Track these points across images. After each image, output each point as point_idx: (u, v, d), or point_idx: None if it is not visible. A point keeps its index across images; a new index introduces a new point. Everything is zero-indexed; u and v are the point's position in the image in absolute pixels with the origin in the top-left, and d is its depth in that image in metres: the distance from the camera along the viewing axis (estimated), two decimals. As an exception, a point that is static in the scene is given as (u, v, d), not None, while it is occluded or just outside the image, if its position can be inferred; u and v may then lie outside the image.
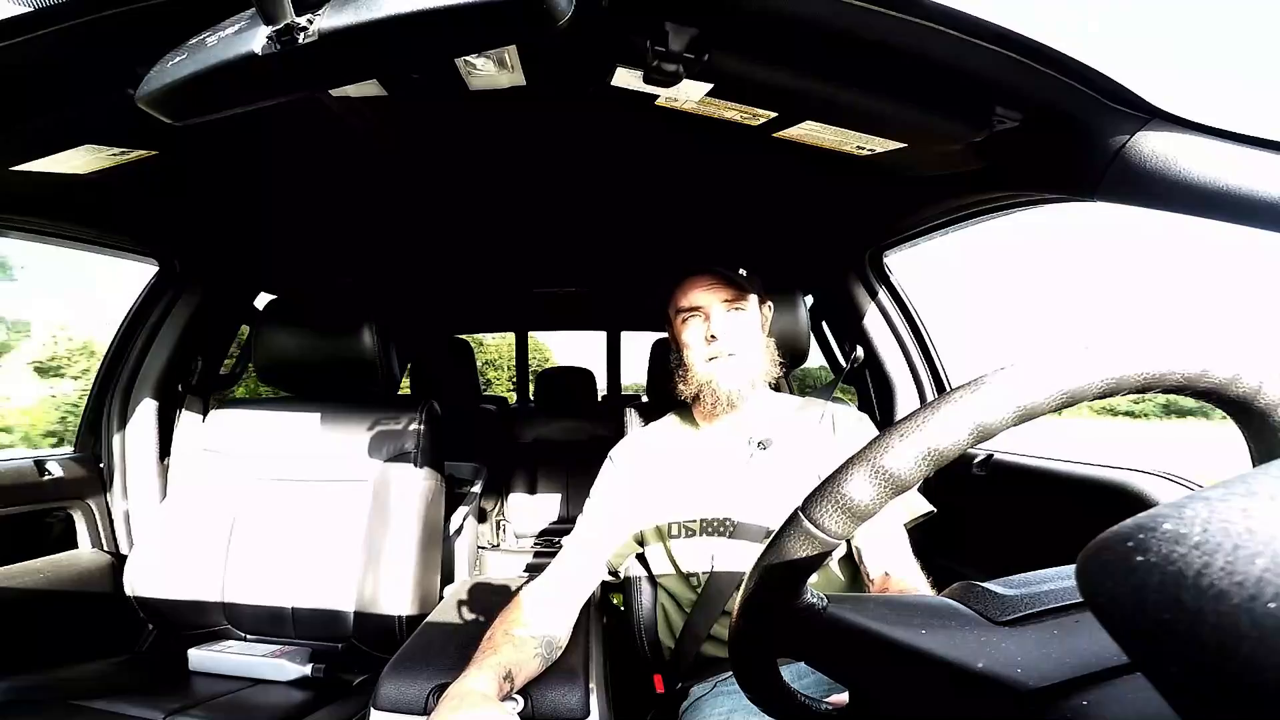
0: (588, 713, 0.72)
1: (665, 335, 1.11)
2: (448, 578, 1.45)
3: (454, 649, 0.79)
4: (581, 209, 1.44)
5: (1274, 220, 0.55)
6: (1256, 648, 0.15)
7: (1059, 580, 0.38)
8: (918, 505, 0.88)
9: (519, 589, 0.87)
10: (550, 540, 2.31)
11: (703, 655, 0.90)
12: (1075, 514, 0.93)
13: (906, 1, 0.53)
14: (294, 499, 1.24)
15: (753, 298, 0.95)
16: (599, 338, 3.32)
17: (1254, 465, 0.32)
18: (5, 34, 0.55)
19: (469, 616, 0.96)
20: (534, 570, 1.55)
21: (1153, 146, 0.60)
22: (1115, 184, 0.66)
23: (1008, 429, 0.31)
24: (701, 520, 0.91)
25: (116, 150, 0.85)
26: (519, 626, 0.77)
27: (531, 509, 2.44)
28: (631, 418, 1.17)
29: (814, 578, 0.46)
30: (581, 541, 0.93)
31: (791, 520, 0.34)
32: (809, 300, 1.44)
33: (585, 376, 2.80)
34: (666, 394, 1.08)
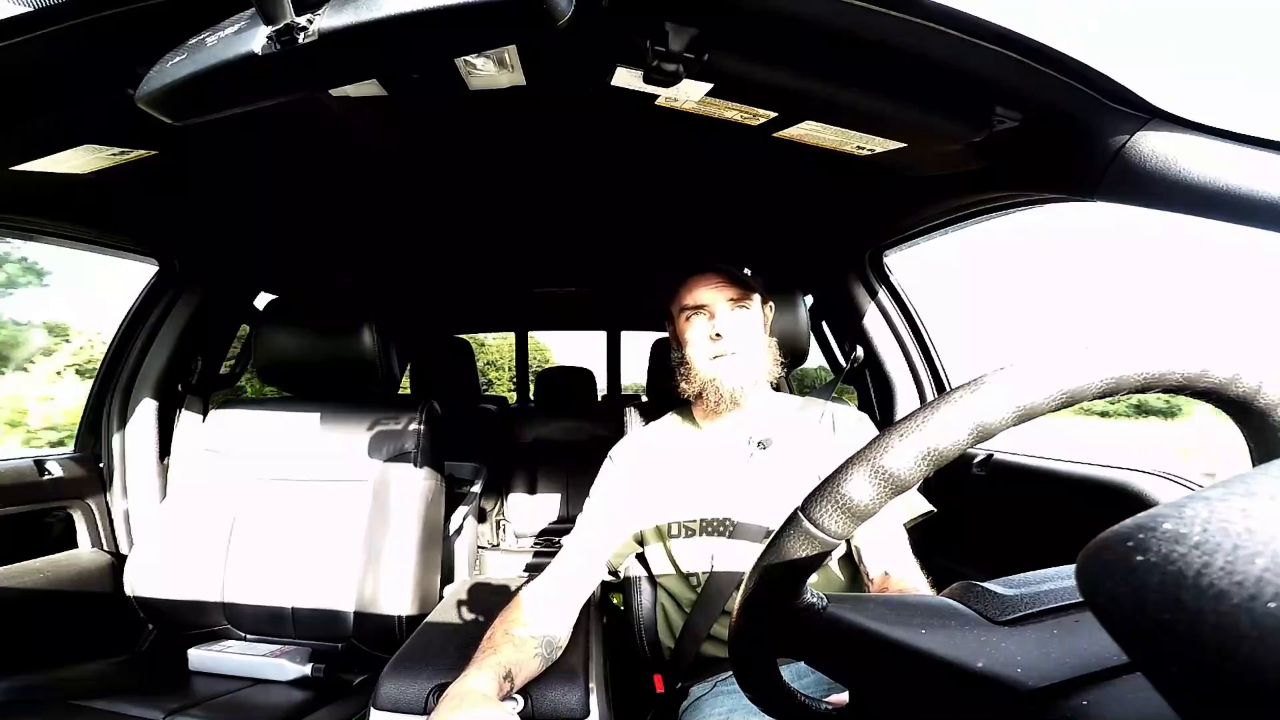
0: (588, 712, 0.72)
1: (665, 335, 1.11)
2: (448, 578, 1.45)
3: (454, 649, 0.79)
4: (581, 209, 1.44)
5: (1274, 220, 0.55)
6: (1256, 648, 0.15)
7: (1059, 580, 0.38)
8: (918, 505, 0.88)
9: (519, 589, 0.87)
10: (550, 540, 2.31)
11: (703, 655, 0.90)
12: (1075, 514, 0.93)
13: (906, 1, 0.53)
14: (294, 499, 1.24)
15: (756, 297, 0.96)
16: (599, 338, 3.32)
17: (1254, 465, 0.32)
18: (5, 34, 0.55)
19: (469, 616, 0.96)
20: (534, 570, 1.55)
21: (1153, 146, 0.60)
22: (1115, 184, 0.66)
23: (1007, 429, 0.31)
24: (701, 520, 0.91)
25: (116, 150, 0.85)
26: (519, 626, 0.77)
27: (531, 509, 2.44)
28: (632, 417, 1.17)
29: (814, 578, 0.46)
30: (581, 541, 0.93)
31: (791, 520, 0.34)
32: (809, 300, 1.44)
33: (585, 376, 2.80)
34: (666, 394, 1.08)
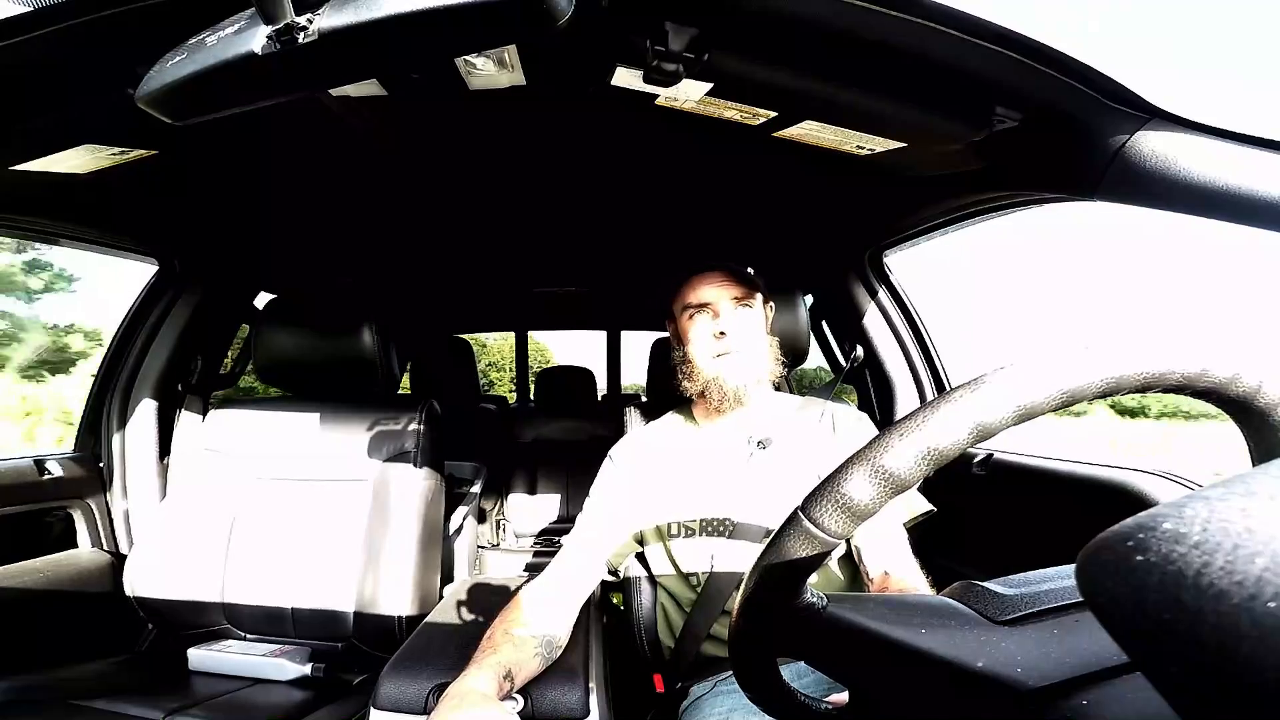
0: (587, 712, 0.72)
1: (665, 335, 1.11)
2: (447, 577, 1.45)
3: (454, 649, 0.79)
4: (581, 209, 1.44)
5: (1274, 220, 0.55)
6: (1256, 647, 0.15)
7: (1059, 580, 0.39)
8: (918, 505, 0.88)
9: (519, 589, 0.87)
10: (550, 540, 2.31)
11: (703, 655, 0.90)
12: (1075, 514, 0.93)
13: (906, 1, 0.53)
14: (294, 499, 1.24)
15: (759, 296, 0.96)
16: (599, 339, 3.32)
17: (1254, 465, 0.32)
18: (5, 34, 0.55)
19: (469, 616, 0.96)
20: (534, 570, 1.55)
21: (1153, 146, 0.60)
22: (1115, 184, 0.66)
23: (1008, 428, 0.31)
24: (701, 520, 0.91)
25: (116, 150, 0.85)
26: (519, 626, 0.77)
27: (531, 509, 2.44)
28: (632, 416, 1.17)
29: (814, 577, 0.46)
30: (581, 541, 0.93)
31: (791, 520, 0.34)
32: (809, 300, 1.44)
33: (585, 376, 2.80)
34: (666, 393, 1.08)
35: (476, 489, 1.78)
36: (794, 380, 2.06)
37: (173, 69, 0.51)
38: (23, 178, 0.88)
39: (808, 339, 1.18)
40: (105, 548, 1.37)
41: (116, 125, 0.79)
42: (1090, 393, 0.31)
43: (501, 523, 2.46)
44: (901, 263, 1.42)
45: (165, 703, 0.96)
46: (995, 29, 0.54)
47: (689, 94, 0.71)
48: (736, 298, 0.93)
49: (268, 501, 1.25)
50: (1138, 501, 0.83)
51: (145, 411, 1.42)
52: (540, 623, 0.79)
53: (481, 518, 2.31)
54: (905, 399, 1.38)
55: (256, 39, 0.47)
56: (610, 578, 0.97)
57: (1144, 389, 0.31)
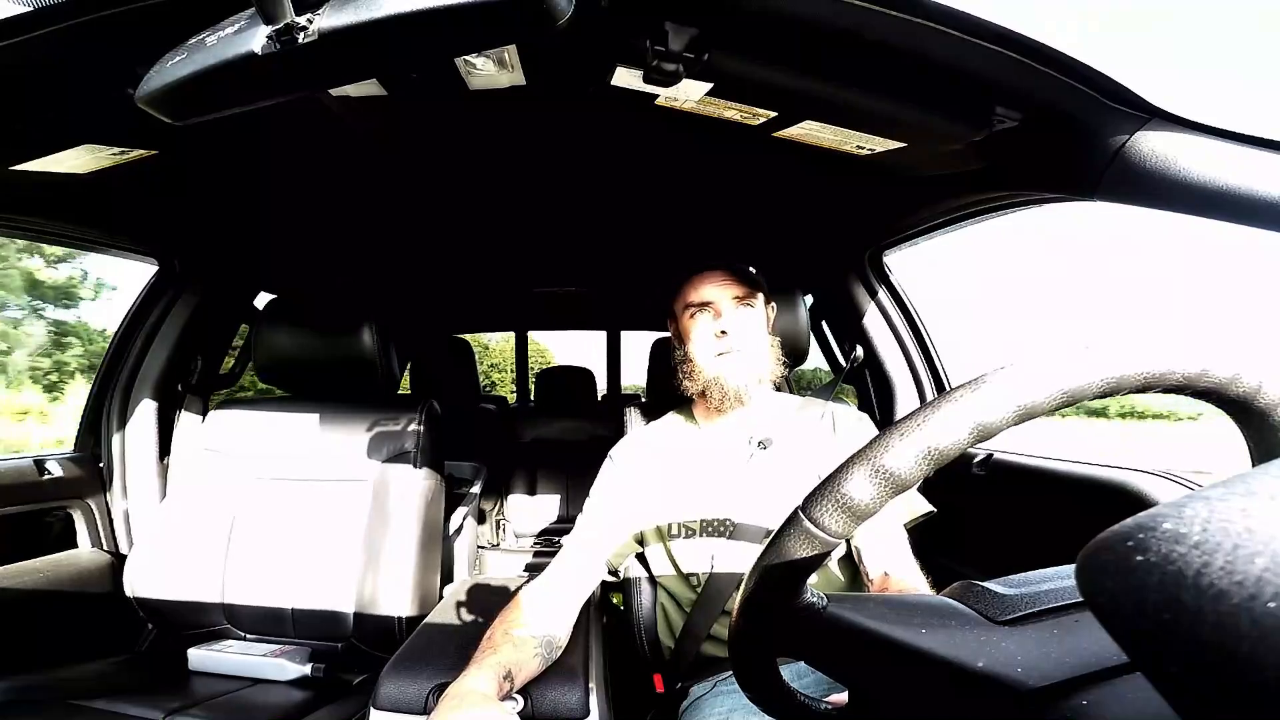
0: (588, 712, 0.72)
1: (666, 335, 1.11)
2: (447, 578, 1.45)
3: (454, 649, 0.79)
4: (581, 209, 1.44)
5: (1274, 220, 0.55)
6: (1256, 647, 0.15)
7: (1059, 580, 0.38)
8: (918, 505, 0.88)
9: (519, 589, 0.87)
10: (550, 540, 2.31)
11: (703, 655, 0.90)
12: (1075, 514, 0.93)
13: (906, 1, 0.53)
14: (294, 499, 1.24)
15: (761, 296, 0.96)
16: (599, 339, 3.32)
17: (1254, 465, 0.32)
18: (5, 34, 0.55)
19: (469, 616, 0.96)
20: (534, 570, 1.55)
21: (1153, 146, 0.60)
22: (1115, 184, 0.66)
23: (1008, 428, 0.31)
24: (701, 520, 0.91)
25: (116, 150, 0.85)
26: (519, 626, 0.77)
27: (531, 509, 2.44)
28: (632, 416, 1.17)
29: (814, 578, 0.46)
30: (581, 541, 0.93)
31: (791, 520, 0.34)
32: (809, 300, 1.44)
33: (585, 376, 2.80)
34: (666, 393, 1.08)
35: (476, 489, 1.78)
36: (793, 381, 2.06)
37: (173, 69, 0.51)
38: (23, 178, 0.88)
39: (808, 339, 1.18)
40: (105, 548, 1.37)
41: (116, 125, 0.79)
42: (1091, 393, 0.30)
43: (501, 523, 2.46)
44: (901, 262, 1.43)
45: (165, 703, 0.96)
46: (995, 29, 0.54)
47: (689, 94, 0.71)
48: (738, 297, 0.93)
49: (268, 502, 1.25)
50: (1137, 501, 0.83)
51: (145, 411, 1.42)
52: (540, 623, 0.79)
53: (481, 518, 2.31)
54: (905, 399, 1.38)
55: (256, 39, 0.47)
56: (610, 578, 0.97)
57: (1144, 389, 0.31)
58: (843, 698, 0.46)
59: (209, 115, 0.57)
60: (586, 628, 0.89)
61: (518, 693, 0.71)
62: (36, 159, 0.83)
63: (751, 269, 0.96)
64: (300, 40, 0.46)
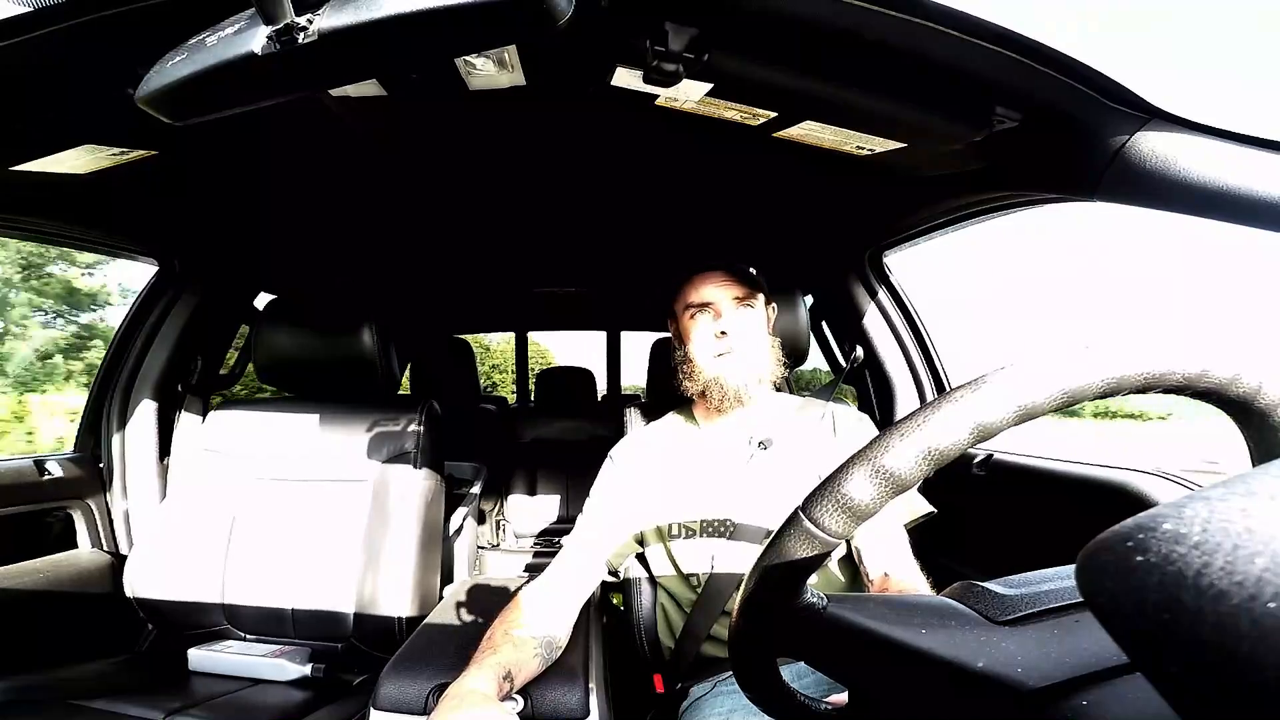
0: (587, 713, 0.72)
1: (666, 335, 1.11)
2: (447, 578, 1.45)
3: (454, 649, 0.79)
4: (581, 209, 1.44)
5: (1274, 220, 0.55)
6: (1256, 647, 0.15)
7: (1059, 580, 0.38)
8: (918, 506, 0.88)
9: (519, 589, 0.87)
10: (550, 540, 2.31)
11: (703, 655, 0.90)
12: (1075, 514, 0.93)
13: (906, 1, 0.53)
14: (294, 499, 1.24)
15: (761, 296, 0.96)
16: (599, 340, 3.32)
17: (1254, 465, 0.32)
18: (5, 34, 0.55)
19: (469, 617, 0.96)
20: (534, 570, 1.55)
21: (1152, 146, 0.60)
22: (1115, 184, 0.66)
23: (1008, 429, 0.31)
24: (702, 521, 0.91)
25: (116, 150, 0.85)
26: (519, 627, 0.77)
27: (531, 509, 2.44)
28: (632, 417, 1.17)
29: (814, 578, 0.46)
30: (581, 541, 0.93)
31: (792, 520, 0.34)
32: (809, 300, 1.44)
33: (585, 376, 2.80)
34: (666, 393, 1.08)
35: (476, 489, 1.79)
36: (793, 381, 2.06)
37: (173, 69, 0.51)
38: (23, 178, 0.88)
39: (807, 339, 1.18)
40: (105, 548, 1.37)
41: (116, 125, 0.79)
42: (1091, 393, 0.30)
43: (501, 523, 2.46)
44: (901, 262, 1.43)
45: (165, 703, 0.96)
46: (995, 29, 0.54)
47: (689, 94, 0.71)
48: (738, 297, 0.93)
49: (268, 502, 1.25)
50: (1137, 501, 0.83)
51: (145, 412, 1.42)
52: (540, 623, 0.79)
53: (481, 518, 2.31)
54: (905, 399, 1.38)
55: (256, 39, 0.47)
56: (610, 578, 0.97)
57: (1144, 389, 0.31)
58: (843, 698, 0.46)
59: (209, 115, 0.57)
60: (586, 628, 0.89)
61: (518, 693, 0.71)
62: (36, 159, 0.83)
63: (751, 269, 0.96)
64: (300, 40, 0.46)
